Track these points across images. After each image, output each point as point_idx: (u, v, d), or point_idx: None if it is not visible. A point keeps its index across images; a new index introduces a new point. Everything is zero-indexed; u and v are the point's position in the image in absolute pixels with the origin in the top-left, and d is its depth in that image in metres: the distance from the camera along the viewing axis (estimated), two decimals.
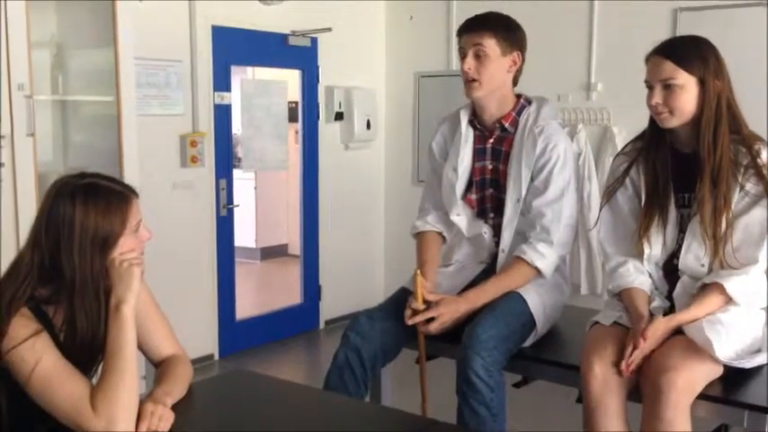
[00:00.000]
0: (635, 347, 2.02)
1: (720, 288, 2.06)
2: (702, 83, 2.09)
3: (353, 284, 5.69)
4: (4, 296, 1.66)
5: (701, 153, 2.10)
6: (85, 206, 1.67)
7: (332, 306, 5.61)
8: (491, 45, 2.45)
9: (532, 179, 2.47)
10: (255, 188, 7.47)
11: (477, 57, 2.46)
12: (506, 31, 2.49)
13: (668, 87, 2.10)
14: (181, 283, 4.48)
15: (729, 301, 2.07)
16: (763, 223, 2.07)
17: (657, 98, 2.12)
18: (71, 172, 1.80)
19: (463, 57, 2.48)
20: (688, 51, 2.11)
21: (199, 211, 4.70)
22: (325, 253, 5.55)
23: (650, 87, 2.15)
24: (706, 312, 2.05)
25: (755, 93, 3.95)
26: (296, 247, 6.36)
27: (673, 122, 2.14)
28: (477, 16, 2.52)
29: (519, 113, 2.54)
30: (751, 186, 2.08)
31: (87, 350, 1.74)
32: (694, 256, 2.15)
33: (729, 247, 2.09)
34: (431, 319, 2.36)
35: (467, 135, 2.59)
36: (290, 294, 5.69)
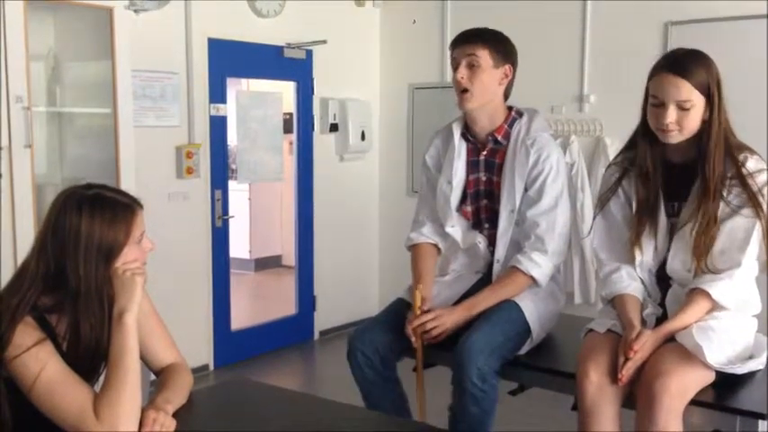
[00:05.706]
0: (626, 358, 2.04)
1: (706, 294, 2.10)
2: (710, 100, 2.10)
3: (348, 295, 5.71)
4: (9, 304, 1.68)
5: (701, 165, 2.12)
6: (92, 216, 1.70)
7: (327, 317, 5.63)
8: (484, 56, 2.49)
9: (526, 190, 2.50)
10: (249, 199, 7.49)
11: (470, 67, 2.49)
12: (499, 43, 2.54)
13: (683, 107, 2.09)
14: (176, 293, 4.48)
15: (716, 305, 2.10)
16: (746, 229, 2.11)
17: (671, 117, 2.10)
18: (71, 183, 1.82)
19: (456, 67, 2.51)
20: (699, 70, 2.09)
21: (194, 222, 4.72)
22: (319, 264, 5.56)
23: (661, 105, 2.12)
24: (694, 319, 2.09)
25: (741, 103, 3.99)
26: (289, 258, 6.37)
27: (679, 138, 2.14)
28: (470, 30, 2.56)
29: (511, 126, 2.57)
30: (736, 194, 2.11)
31: (90, 358, 1.76)
32: (681, 262, 2.19)
33: (713, 251, 2.12)
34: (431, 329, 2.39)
35: (459, 148, 2.62)
36: (284, 305, 5.70)
